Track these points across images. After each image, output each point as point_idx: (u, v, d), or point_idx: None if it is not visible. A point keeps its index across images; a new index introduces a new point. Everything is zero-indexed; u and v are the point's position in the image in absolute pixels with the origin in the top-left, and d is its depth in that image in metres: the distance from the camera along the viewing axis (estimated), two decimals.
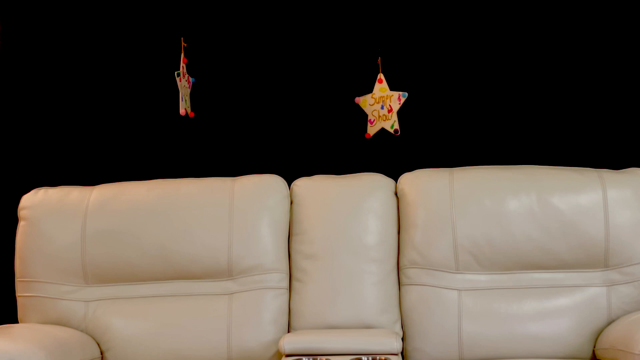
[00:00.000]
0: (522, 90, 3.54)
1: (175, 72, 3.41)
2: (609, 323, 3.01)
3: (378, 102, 3.50)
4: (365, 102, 3.52)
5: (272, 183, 3.20)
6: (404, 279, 3.12)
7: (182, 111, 3.43)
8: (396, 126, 3.48)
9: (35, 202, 3.17)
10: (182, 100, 3.43)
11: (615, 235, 3.04)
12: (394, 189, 3.21)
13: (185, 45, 3.50)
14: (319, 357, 2.78)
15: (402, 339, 3.08)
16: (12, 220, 3.24)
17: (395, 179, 3.24)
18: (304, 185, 3.23)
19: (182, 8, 3.58)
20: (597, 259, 3.05)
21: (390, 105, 3.48)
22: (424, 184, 3.15)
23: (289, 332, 3.09)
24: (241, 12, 3.60)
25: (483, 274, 3.09)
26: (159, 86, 3.51)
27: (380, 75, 3.50)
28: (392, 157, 3.53)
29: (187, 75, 3.49)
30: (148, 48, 3.57)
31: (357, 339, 2.87)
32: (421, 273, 3.09)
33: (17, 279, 3.16)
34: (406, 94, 3.47)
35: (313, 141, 3.58)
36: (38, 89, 3.59)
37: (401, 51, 3.56)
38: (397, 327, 3.08)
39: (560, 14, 3.52)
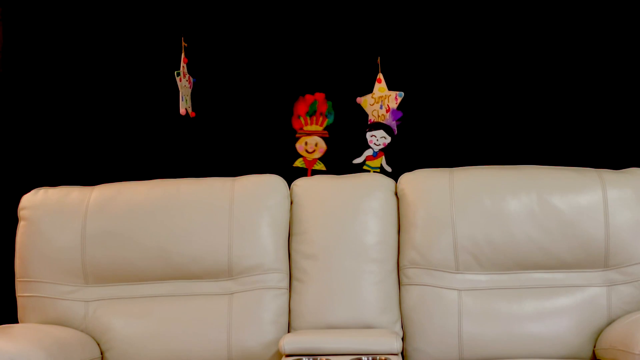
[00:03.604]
0: (522, 90, 3.54)
1: (175, 72, 3.42)
2: (609, 323, 3.01)
3: (377, 102, 3.51)
4: (366, 102, 3.52)
5: (272, 183, 3.20)
6: (404, 279, 3.12)
7: (182, 111, 3.44)
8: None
9: (35, 202, 3.17)
10: (182, 100, 3.44)
11: (615, 235, 3.04)
12: (394, 189, 3.21)
13: (186, 45, 3.50)
14: (319, 357, 2.79)
15: (402, 339, 3.08)
16: (12, 220, 3.24)
17: (395, 179, 3.24)
18: (304, 185, 3.23)
19: (182, 8, 3.59)
20: (597, 259, 3.05)
21: (388, 105, 3.49)
22: (424, 184, 3.15)
23: (289, 332, 3.09)
24: (241, 12, 3.60)
25: (483, 274, 3.09)
26: (159, 86, 3.51)
27: (380, 75, 3.51)
28: (392, 157, 3.53)
29: (187, 75, 3.49)
30: (149, 48, 3.57)
31: (357, 339, 2.87)
32: (421, 273, 3.09)
33: (17, 279, 3.16)
34: (402, 93, 3.48)
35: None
36: (38, 89, 3.59)
37: (401, 51, 3.56)
38: (397, 327, 3.08)
39: (560, 14, 3.52)
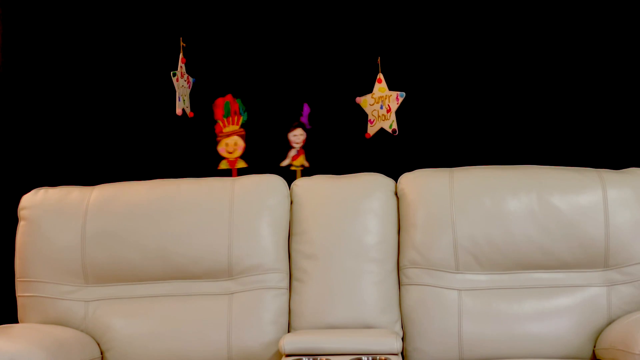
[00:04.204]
0: (522, 90, 3.54)
1: (172, 72, 3.42)
2: (609, 323, 3.01)
3: (377, 102, 3.51)
4: (366, 102, 3.52)
5: (272, 183, 3.20)
6: (404, 279, 3.12)
7: (178, 111, 3.44)
8: (394, 126, 3.48)
9: (35, 202, 3.17)
10: (179, 100, 3.44)
11: (615, 235, 3.04)
12: (394, 189, 3.21)
13: (185, 45, 3.50)
14: (319, 357, 2.78)
15: (402, 339, 3.08)
16: (12, 220, 3.23)
17: (395, 179, 3.24)
18: (304, 185, 3.23)
19: (182, 8, 3.59)
20: (597, 259, 3.05)
21: (389, 105, 3.49)
22: (424, 184, 3.15)
23: (289, 332, 3.09)
24: (241, 12, 3.60)
25: (483, 274, 3.09)
26: (158, 86, 3.51)
27: (380, 75, 3.51)
28: (392, 157, 3.54)
29: (186, 75, 3.49)
30: (148, 48, 3.57)
31: (357, 339, 2.87)
32: (421, 273, 3.09)
33: (17, 279, 3.16)
34: (404, 93, 3.48)
35: (313, 141, 3.57)
36: (38, 89, 3.59)
37: (401, 51, 3.56)
38: (397, 327, 3.08)
39: (560, 14, 3.52)
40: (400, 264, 3.13)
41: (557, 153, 3.48)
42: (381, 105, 3.50)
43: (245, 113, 3.50)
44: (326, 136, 3.58)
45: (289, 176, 3.30)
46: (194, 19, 3.58)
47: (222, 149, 3.50)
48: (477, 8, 3.54)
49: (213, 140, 3.57)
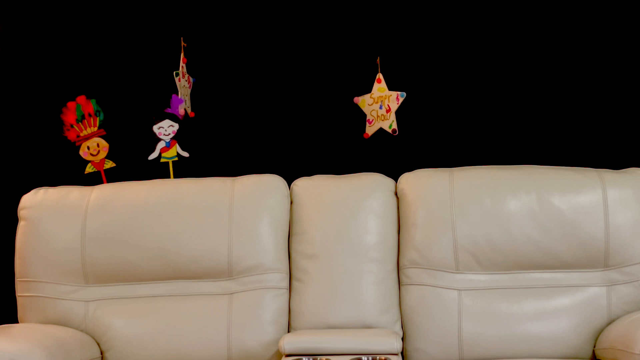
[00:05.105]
0: (522, 90, 3.54)
1: (174, 72, 3.42)
2: (609, 323, 3.01)
3: (377, 102, 3.50)
4: (364, 102, 3.52)
5: (272, 183, 3.20)
6: (404, 279, 3.12)
7: (180, 111, 3.44)
8: (394, 126, 3.48)
9: (35, 202, 3.17)
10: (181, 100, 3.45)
11: (615, 235, 3.04)
12: (393, 189, 3.21)
13: (185, 45, 3.50)
14: (319, 357, 2.79)
15: (402, 339, 3.08)
16: (12, 220, 3.23)
17: (395, 179, 3.24)
18: (304, 185, 3.23)
19: (182, 8, 3.59)
20: (597, 259, 3.05)
21: (388, 105, 3.48)
22: (424, 184, 3.15)
23: (289, 332, 3.09)
24: (241, 12, 3.60)
25: (483, 273, 3.09)
26: (159, 86, 3.51)
27: (379, 75, 3.50)
28: (392, 157, 3.53)
29: (187, 75, 3.49)
30: (148, 48, 3.57)
31: (357, 339, 2.87)
32: (421, 273, 3.09)
33: (17, 279, 3.16)
34: (404, 93, 3.48)
35: (313, 141, 3.58)
36: (38, 89, 3.59)
37: (400, 51, 3.56)
38: (397, 327, 3.08)
39: (560, 13, 3.52)
40: (400, 264, 3.13)
41: (557, 153, 3.48)
42: (380, 105, 3.49)
43: (101, 113, 3.48)
44: (326, 136, 3.58)
45: (289, 176, 3.29)
46: (194, 18, 3.58)
47: (84, 153, 3.48)
48: (477, 8, 3.54)
49: (214, 139, 3.57)
